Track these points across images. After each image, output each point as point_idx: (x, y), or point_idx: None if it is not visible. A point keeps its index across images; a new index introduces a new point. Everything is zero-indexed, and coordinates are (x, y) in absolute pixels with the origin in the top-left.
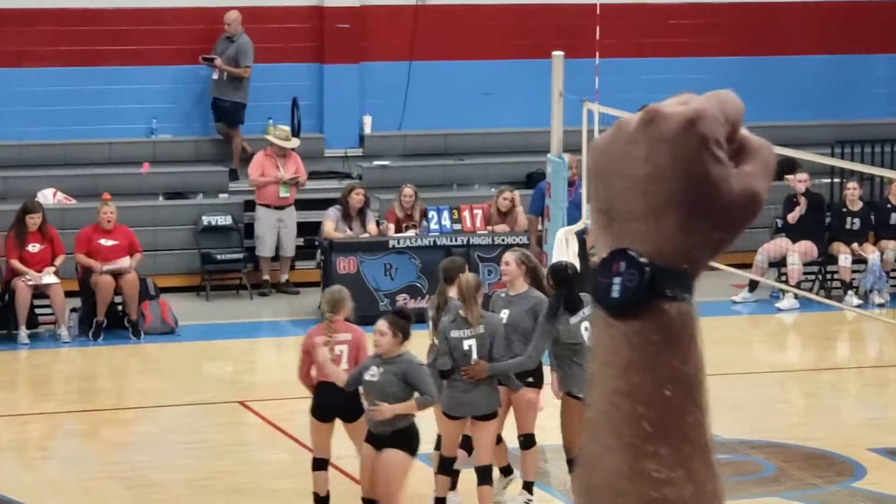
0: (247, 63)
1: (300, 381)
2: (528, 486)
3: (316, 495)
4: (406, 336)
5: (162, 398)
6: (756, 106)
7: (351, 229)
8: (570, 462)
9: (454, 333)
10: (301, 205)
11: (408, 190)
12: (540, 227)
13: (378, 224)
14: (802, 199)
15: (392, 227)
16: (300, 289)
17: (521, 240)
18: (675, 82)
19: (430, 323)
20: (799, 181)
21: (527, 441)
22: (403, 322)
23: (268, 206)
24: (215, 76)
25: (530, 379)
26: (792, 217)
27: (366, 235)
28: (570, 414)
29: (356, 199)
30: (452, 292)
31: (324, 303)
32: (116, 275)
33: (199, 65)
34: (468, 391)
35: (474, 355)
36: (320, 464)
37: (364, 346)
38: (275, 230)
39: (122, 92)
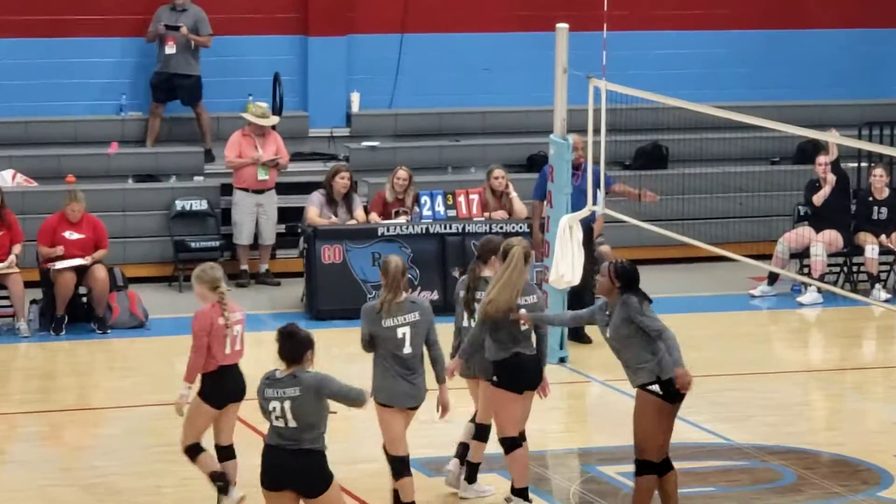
0: (208, 31)
1: (192, 373)
2: (519, 493)
3: None
4: (296, 360)
5: (130, 398)
6: (778, 84)
7: (336, 215)
8: (640, 464)
9: (387, 322)
10: (282, 189)
11: (402, 172)
12: (543, 213)
13: (366, 210)
14: (830, 177)
15: (375, 214)
16: (281, 279)
17: (521, 228)
18: (691, 58)
19: (462, 304)
20: (820, 164)
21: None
22: (291, 343)
23: (246, 189)
24: (170, 50)
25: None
26: (817, 198)
27: (353, 222)
28: (645, 409)
29: (340, 183)
30: (488, 271)
31: (218, 279)
32: (81, 269)
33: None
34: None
35: (407, 345)
36: None
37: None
38: (253, 216)
39: (89, 66)
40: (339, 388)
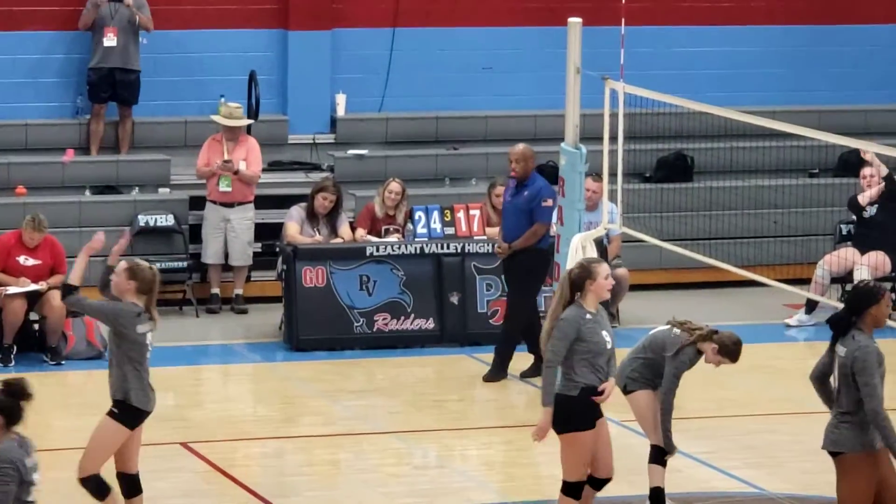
0: (148, 14)
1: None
2: None
3: None
4: (12, 420)
5: (86, 438)
6: (818, 86)
7: (319, 233)
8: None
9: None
10: (259, 203)
11: (394, 185)
12: (553, 232)
13: (353, 227)
14: (875, 190)
15: (362, 231)
16: (258, 305)
17: None
18: (718, 56)
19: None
20: (865, 177)
21: None
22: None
23: (214, 202)
24: (110, 42)
25: None
26: (863, 198)
27: (338, 241)
28: None
29: (320, 203)
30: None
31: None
32: (33, 294)
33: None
34: None
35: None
36: None
37: None
38: (221, 233)
39: (41, 62)
40: None
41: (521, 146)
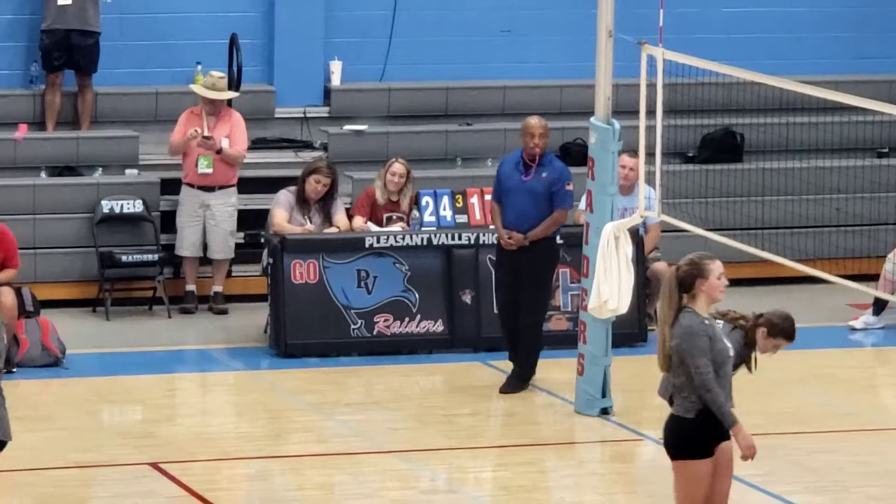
0: None
1: None
2: None
3: None
4: None
5: (43, 458)
6: (888, 53)
7: (310, 221)
8: None
9: None
10: (243, 186)
11: (398, 166)
12: (580, 220)
13: (349, 214)
14: None
15: (361, 219)
16: (239, 304)
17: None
18: (771, 18)
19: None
20: None
21: None
22: None
23: (191, 186)
24: (65, 0)
25: None
26: None
27: (332, 230)
28: None
29: (312, 187)
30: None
31: None
32: None
33: None
34: None
35: None
36: None
37: None
38: (198, 221)
39: None
40: None
41: (540, 118)
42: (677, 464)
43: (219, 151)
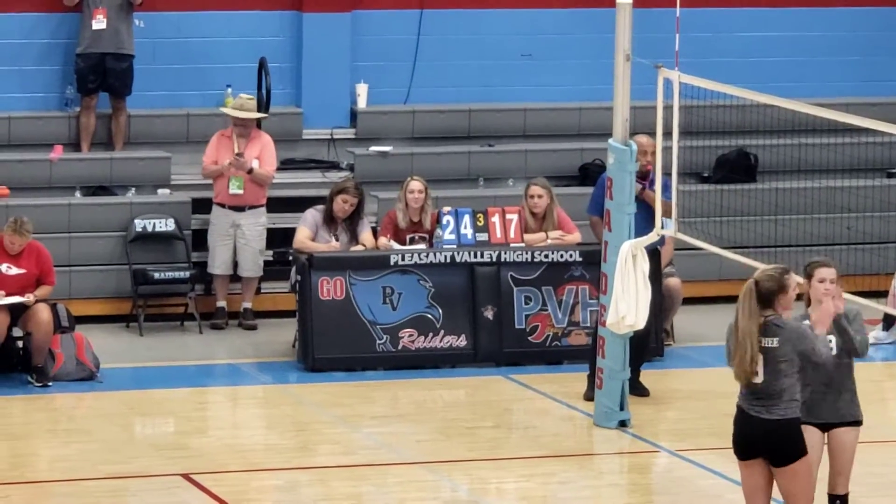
0: None
1: None
2: None
3: None
4: None
5: (78, 469)
6: (888, 80)
7: (337, 239)
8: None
9: None
10: (272, 205)
11: (415, 183)
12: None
13: (375, 233)
14: None
15: (386, 239)
16: (270, 320)
17: (571, 256)
18: (784, 42)
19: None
20: None
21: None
22: None
23: (222, 206)
24: (99, 25)
25: None
26: None
27: (358, 248)
28: None
29: (340, 206)
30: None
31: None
32: (16, 307)
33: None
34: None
35: None
36: None
37: None
38: (229, 240)
39: (25, 47)
40: None
41: (650, 137)
42: (799, 462)
43: (250, 171)
